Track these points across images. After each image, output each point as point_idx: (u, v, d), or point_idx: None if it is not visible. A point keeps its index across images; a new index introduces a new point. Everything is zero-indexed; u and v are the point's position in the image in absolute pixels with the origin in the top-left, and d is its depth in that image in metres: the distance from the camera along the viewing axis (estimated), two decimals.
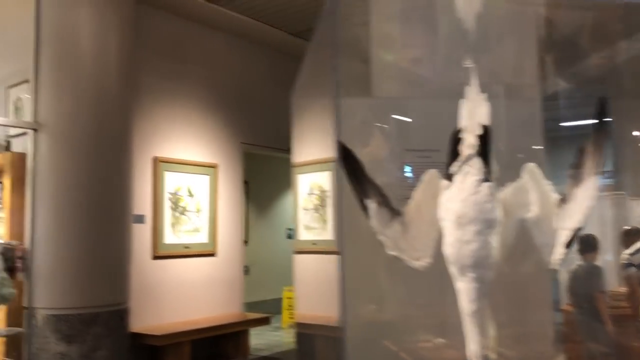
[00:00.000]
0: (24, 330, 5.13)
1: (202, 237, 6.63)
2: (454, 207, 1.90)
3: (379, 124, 2.96)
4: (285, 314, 8.52)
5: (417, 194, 2.07)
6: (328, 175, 6.03)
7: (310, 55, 3.74)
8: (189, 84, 6.70)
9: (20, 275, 5.18)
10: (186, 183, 6.51)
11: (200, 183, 6.67)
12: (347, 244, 2.54)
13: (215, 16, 6.79)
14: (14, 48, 6.49)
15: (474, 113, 1.99)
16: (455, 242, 1.88)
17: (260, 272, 9.07)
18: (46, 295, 5.07)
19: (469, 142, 1.95)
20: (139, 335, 5.56)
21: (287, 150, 8.01)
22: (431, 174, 2.06)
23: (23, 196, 5.39)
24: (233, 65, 7.30)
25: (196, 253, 6.55)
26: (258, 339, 7.01)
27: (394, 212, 2.06)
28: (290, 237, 10.33)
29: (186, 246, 6.43)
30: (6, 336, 5.14)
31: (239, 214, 7.19)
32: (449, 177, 1.97)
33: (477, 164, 1.91)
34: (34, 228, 5.21)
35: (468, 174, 1.91)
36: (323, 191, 6.31)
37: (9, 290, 5.04)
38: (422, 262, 2.02)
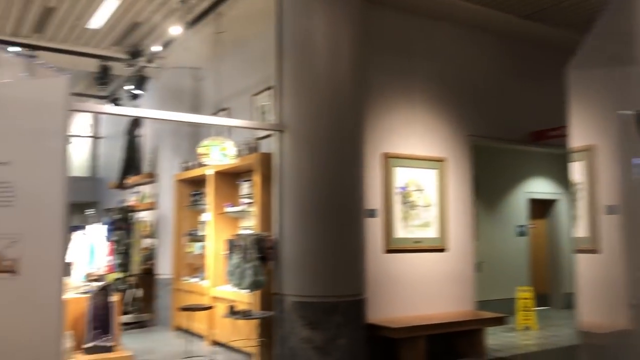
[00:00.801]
0: (275, 314, 5.62)
1: (432, 232, 6.57)
2: None
3: None
4: (519, 315, 8.04)
5: None
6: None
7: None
8: (415, 78, 6.69)
9: (270, 264, 5.69)
10: (415, 178, 6.50)
11: (428, 177, 6.62)
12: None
13: (439, 7, 6.70)
14: (257, 60, 7.20)
15: None
16: None
17: (490, 270, 8.70)
18: (293, 282, 5.47)
19: None
20: (375, 327, 5.70)
21: (518, 141, 7.60)
22: None
23: (270, 192, 5.91)
24: (459, 55, 7.11)
25: (426, 248, 6.50)
26: (491, 339, 6.70)
27: None
28: (522, 234, 9.74)
29: (416, 241, 6.43)
30: (260, 318, 5.67)
31: (469, 209, 6.96)
32: None
33: None
34: (281, 221, 5.67)
35: None
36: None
37: (262, 277, 5.57)
38: None
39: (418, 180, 6.53)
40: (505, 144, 7.48)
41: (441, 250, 6.64)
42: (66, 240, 2.94)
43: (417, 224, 6.46)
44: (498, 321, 6.48)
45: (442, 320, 6.09)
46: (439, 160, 6.72)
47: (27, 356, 2.75)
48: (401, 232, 6.33)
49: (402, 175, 6.42)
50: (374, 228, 6.10)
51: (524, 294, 8.18)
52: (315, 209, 5.43)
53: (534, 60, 7.73)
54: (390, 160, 6.35)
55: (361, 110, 5.82)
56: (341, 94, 5.62)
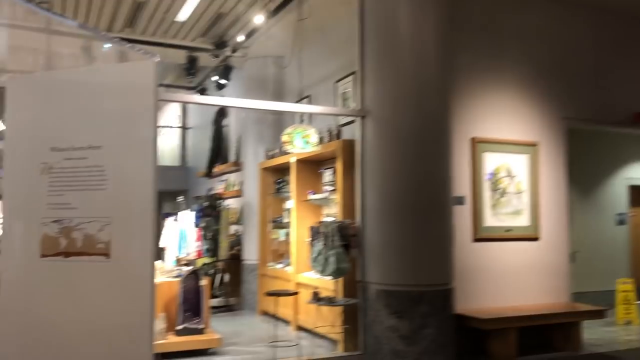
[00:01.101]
0: (359, 301, 5.57)
1: (523, 220, 6.26)
2: None
3: None
4: (620, 308, 7.53)
5: None
6: None
7: None
8: (504, 59, 6.38)
9: (353, 251, 5.64)
10: (505, 163, 6.22)
11: (520, 163, 6.30)
12: None
13: None
14: (340, 45, 7.13)
15: None
16: None
17: (586, 261, 8.21)
18: (377, 270, 5.40)
19: None
20: (463, 317, 5.52)
21: (618, 123, 7.08)
22: None
23: (353, 179, 5.85)
24: (552, 33, 6.70)
25: (518, 236, 6.21)
26: (588, 333, 6.32)
27: None
28: (621, 223, 9.11)
29: (507, 229, 6.15)
30: (344, 306, 5.64)
31: (563, 196, 6.58)
32: None
33: None
34: (364, 208, 5.60)
35: None
36: None
37: (345, 264, 5.53)
38: None
39: (509, 166, 6.23)
40: (603, 126, 6.99)
41: (533, 239, 6.32)
42: (156, 225, 2.94)
43: (507, 212, 6.18)
44: (596, 314, 6.09)
45: (535, 311, 5.81)
46: (531, 145, 6.38)
47: (120, 338, 2.79)
48: (491, 220, 6.08)
49: (491, 161, 6.15)
50: (462, 216, 5.90)
51: (624, 286, 7.65)
52: (400, 195, 5.32)
53: (635, 35, 7.16)
54: (479, 145, 6.10)
55: (448, 94, 5.62)
56: (426, 77, 5.44)
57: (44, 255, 2.90)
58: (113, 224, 2.86)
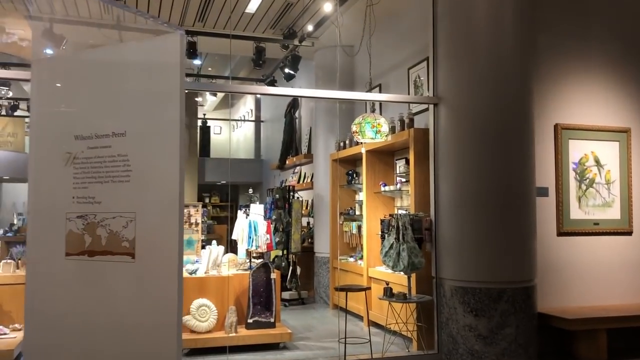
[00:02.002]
0: (433, 298, 5.33)
1: (614, 213, 5.77)
2: None
3: None
4: None
5: None
6: None
7: None
8: (592, 39, 5.88)
9: (427, 245, 5.40)
10: (593, 151, 5.75)
11: (609, 151, 5.81)
12: None
13: None
14: (411, 31, 6.85)
15: None
16: None
17: None
18: (452, 266, 5.13)
19: None
20: (547, 316, 5.15)
21: None
22: None
23: (427, 169, 5.59)
24: None
25: (607, 230, 5.73)
26: None
27: None
28: None
29: (595, 222, 5.69)
30: (418, 302, 5.41)
31: None
32: None
33: None
34: (438, 200, 5.34)
35: None
36: None
37: (418, 259, 5.30)
38: None
39: (597, 154, 5.76)
40: None
41: (625, 234, 5.81)
42: (183, 220, 2.71)
43: (596, 204, 5.72)
44: None
45: (627, 312, 5.33)
46: (622, 132, 5.87)
47: (147, 339, 2.63)
48: (577, 212, 5.64)
49: (578, 149, 5.70)
50: (545, 208, 5.50)
51: None
52: (477, 187, 5.02)
53: None
54: (565, 132, 5.66)
55: (529, 78, 5.24)
56: (505, 61, 5.09)
57: (68, 254, 2.75)
58: (138, 219, 2.67)
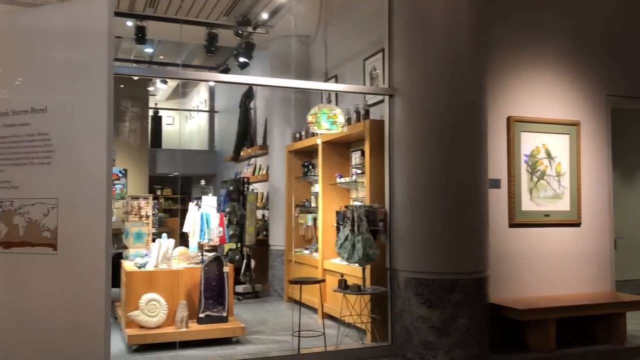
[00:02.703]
0: (387, 290, 5.30)
1: (563, 205, 5.88)
2: None
3: None
4: None
5: None
6: None
7: None
8: (544, 32, 5.95)
9: (382, 237, 5.37)
10: (544, 144, 5.83)
11: (559, 144, 5.91)
12: None
13: None
14: (367, 22, 6.80)
15: None
16: None
17: (630, 247, 7.77)
18: (406, 258, 5.12)
19: None
20: (499, 307, 5.21)
21: None
22: None
23: (382, 161, 5.55)
24: (597, 5, 6.23)
25: (557, 222, 5.84)
26: (634, 324, 5.94)
27: None
28: None
29: (546, 214, 5.79)
30: (372, 294, 5.38)
31: (606, 179, 6.16)
32: None
33: None
34: (392, 192, 5.31)
35: None
36: None
37: (373, 251, 5.26)
38: None
39: (548, 147, 5.85)
40: None
41: (574, 225, 5.94)
42: (110, 208, 2.41)
43: (547, 196, 5.81)
44: None
45: (576, 302, 5.45)
46: (573, 125, 5.98)
47: (72, 340, 2.34)
48: (528, 204, 5.72)
49: (530, 141, 5.77)
50: (497, 200, 5.55)
51: None
52: (432, 178, 5.01)
53: None
54: (517, 124, 5.72)
55: (483, 70, 5.26)
56: (459, 53, 5.09)
57: None
58: (60, 207, 2.34)
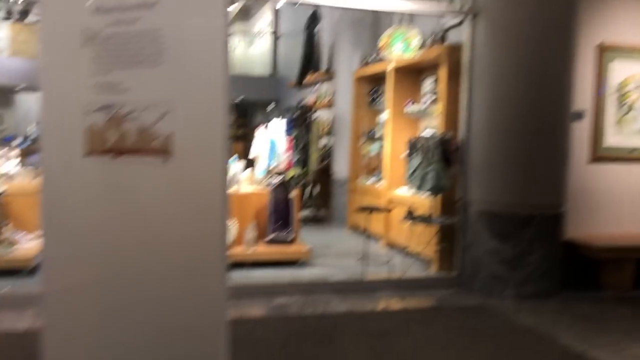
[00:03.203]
0: (458, 221, 5.20)
1: None
2: None
3: None
4: None
5: None
6: None
7: None
8: None
9: (454, 168, 5.20)
10: (637, 73, 5.40)
11: None
12: None
13: None
14: None
15: None
16: None
17: None
18: (480, 190, 4.97)
19: None
20: (573, 244, 5.02)
21: None
22: None
23: (457, 89, 5.30)
24: None
25: None
26: None
27: None
28: None
29: (632, 150, 5.44)
30: (440, 224, 5.29)
31: None
32: None
33: None
34: (469, 121, 5.09)
35: None
36: None
37: (445, 181, 5.13)
38: None
39: None
40: None
41: None
42: (228, 116, 2.19)
43: (634, 130, 5.44)
44: None
45: None
46: None
47: (186, 253, 2.20)
48: (613, 139, 5.38)
49: (621, 71, 5.36)
50: (579, 133, 5.24)
51: None
52: (512, 107, 4.76)
53: None
54: (607, 53, 5.30)
55: None
56: None
57: (88, 154, 2.21)
58: (174, 111, 2.13)
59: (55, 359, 2.21)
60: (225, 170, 2.22)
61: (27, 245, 5.39)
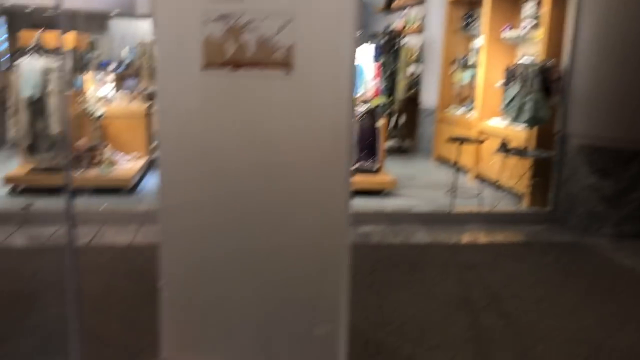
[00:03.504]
0: (555, 154, 4.94)
1: None
2: None
3: None
4: None
5: None
6: None
7: None
8: None
9: (555, 98, 4.89)
10: None
11: None
12: None
13: None
14: None
15: None
16: None
17: None
18: (582, 122, 4.66)
19: None
20: None
21: None
22: None
23: (563, 12, 4.90)
24: None
25: None
26: None
27: None
28: None
29: None
30: (536, 158, 5.05)
31: None
32: None
33: None
34: (575, 48, 4.72)
35: None
36: None
37: (544, 112, 4.85)
38: None
39: None
40: None
41: None
42: (356, 27, 2.00)
43: None
44: None
45: None
46: None
47: (308, 173, 2.11)
48: None
49: None
50: None
51: None
52: (626, 34, 4.34)
53: None
54: None
55: None
56: None
57: (205, 66, 2.07)
58: (296, 21, 1.99)
59: (172, 272, 2.24)
60: (352, 87, 2.07)
61: (126, 165, 5.67)
